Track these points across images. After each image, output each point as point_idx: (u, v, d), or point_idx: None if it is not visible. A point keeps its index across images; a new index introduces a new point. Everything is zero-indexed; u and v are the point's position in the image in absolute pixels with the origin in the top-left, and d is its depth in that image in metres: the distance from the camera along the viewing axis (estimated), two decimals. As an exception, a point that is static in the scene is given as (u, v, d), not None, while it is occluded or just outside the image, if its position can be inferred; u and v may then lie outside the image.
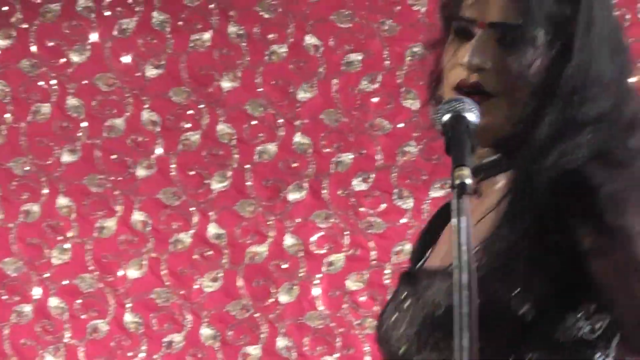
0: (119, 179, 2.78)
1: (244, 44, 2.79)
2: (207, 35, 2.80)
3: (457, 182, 0.80)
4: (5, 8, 2.79)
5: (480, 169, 0.98)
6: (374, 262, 2.73)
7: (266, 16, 2.79)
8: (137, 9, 2.81)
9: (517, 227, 0.93)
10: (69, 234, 2.78)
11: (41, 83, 2.81)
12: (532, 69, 0.97)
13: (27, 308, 2.75)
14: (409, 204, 2.73)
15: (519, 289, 0.93)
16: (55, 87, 2.80)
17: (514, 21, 0.97)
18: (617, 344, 0.95)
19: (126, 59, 2.81)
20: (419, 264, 1.08)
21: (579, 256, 0.91)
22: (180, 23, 2.80)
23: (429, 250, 1.08)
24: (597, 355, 0.95)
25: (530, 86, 0.97)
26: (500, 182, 1.00)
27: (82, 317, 2.75)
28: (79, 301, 2.76)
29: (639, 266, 0.90)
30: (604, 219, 0.90)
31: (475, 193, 0.90)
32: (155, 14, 2.80)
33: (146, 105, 2.80)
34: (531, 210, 0.92)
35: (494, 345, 0.90)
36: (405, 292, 1.00)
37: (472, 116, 0.88)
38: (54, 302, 2.75)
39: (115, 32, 2.81)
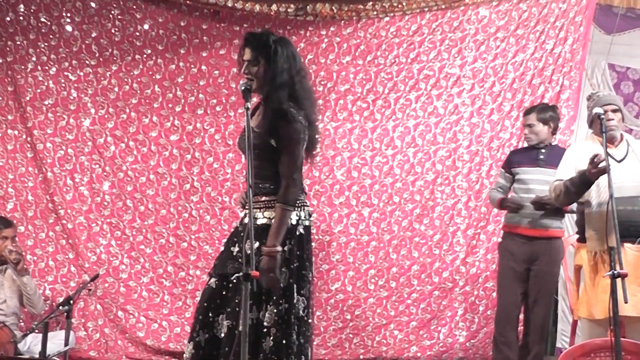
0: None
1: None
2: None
3: (245, 106, 3.02)
4: None
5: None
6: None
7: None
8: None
9: (268, 118, 3.23)
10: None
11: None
12: (260, 71, 3.27)
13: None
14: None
15: (271, 135, 3.20)
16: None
17: (252, 58, 3.28)
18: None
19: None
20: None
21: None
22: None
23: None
24: None
25: (261, 76, 3.27)
26: (261, 107, 3.39)
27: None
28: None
29: (291, 143, 3.21)
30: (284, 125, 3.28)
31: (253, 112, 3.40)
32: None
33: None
34: (270, 116, 3.24)
35: (265, 159, 3.22)
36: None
37: (249, 86, 3.20)
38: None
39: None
